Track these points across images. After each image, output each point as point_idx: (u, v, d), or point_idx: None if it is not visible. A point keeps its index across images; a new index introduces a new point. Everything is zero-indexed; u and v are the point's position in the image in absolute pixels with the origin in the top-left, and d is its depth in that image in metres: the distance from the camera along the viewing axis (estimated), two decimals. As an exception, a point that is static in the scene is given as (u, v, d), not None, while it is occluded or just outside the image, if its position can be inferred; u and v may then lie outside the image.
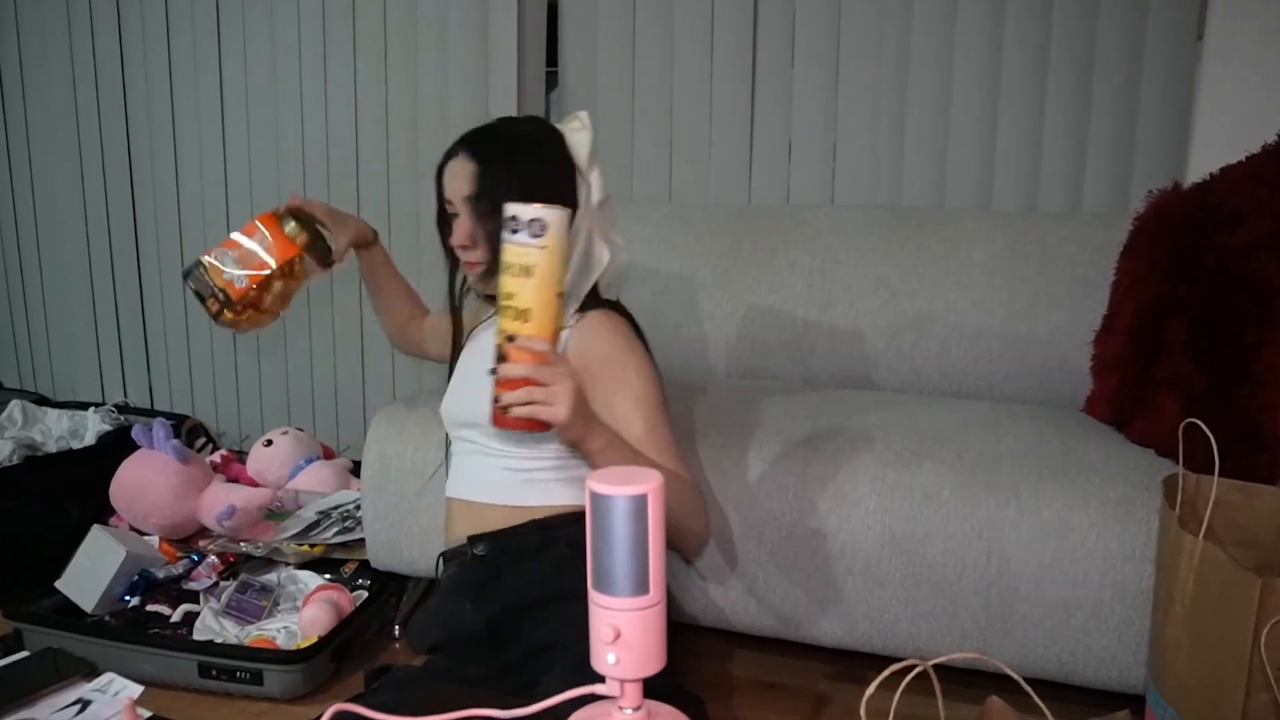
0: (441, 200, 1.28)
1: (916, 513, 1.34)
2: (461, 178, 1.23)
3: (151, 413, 2.60)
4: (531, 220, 0.97)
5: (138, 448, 1.93)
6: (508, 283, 1.00)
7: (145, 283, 2.77)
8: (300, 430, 2.24)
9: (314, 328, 2.58)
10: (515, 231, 0.98)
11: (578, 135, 1.26)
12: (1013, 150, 1.98)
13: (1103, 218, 1.79)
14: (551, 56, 2.35)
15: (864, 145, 2.10)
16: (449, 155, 1.26)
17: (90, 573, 1.67)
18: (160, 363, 2.80)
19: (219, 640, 1.57)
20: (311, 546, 1.75)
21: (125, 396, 2.83)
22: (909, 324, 1.80)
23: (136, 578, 1.70)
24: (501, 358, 1.01)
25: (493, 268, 1.20)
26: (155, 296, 2.76)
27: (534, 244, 0.98)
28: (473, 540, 1.26)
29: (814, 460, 1.41)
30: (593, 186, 1.26)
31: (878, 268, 1.84)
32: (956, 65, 1.99)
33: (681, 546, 1.34)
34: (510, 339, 1.00)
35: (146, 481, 1.86)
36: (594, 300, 1.29)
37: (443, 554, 1.32)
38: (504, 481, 1.25)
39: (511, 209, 0.99)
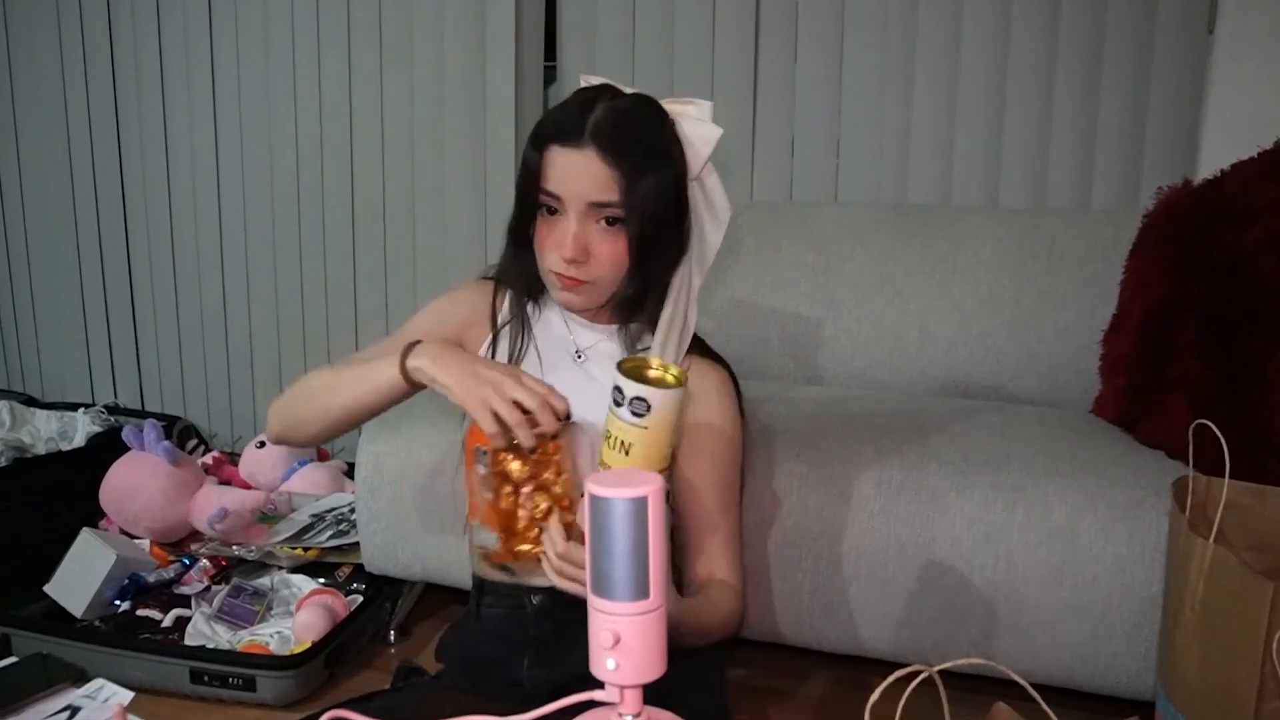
0: (534, 187, 1.04)
1: (922, 515, 1.34)
2: (588, 177, 1.00)
3: (142, 414, 2.60)
4: (634, 399, 0.89)
5: (128, 449, 1.93)
6: (606, 453, 0.92)
7: (136, 281, 2.77)
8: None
9: (307, 326, 2.58)
10: (619, 404, 0.90)
11: (698, 128, 1.10)
12: (1020, 146, 1.98)
13: (1112, 215, 1.78)
14: (550, 50, 2.35)
15: (869, 141, 2.10)
16: (561, 139, 1.02)
17: (80, 577, 1.67)
18: (151, 363, 2.79)
19: (211, 645, 1.57)
20: (305, 550, 1.75)
21: (115, 397, 2.83)
22: (914, 323, 1.80)
23: (126, 581, 1.70)
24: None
25: (599, 292, 1.06)
26: (146, 295, 2.76)
27: (634, 423, 0.89)
28: (532, 590, 1.09)
29: (817, 462, 1.41)
30: (716, 204, 1.13)
31: (882, 266, 1.84)
32: (963, 59, 1.99)
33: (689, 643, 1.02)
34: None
35: (137, 484, 1.86)
36: (698, 343, 1.15)
37: (482, 583, 1.14)
38: None
39: (619, 380, 0.90)
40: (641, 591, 0.71)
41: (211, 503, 1.85)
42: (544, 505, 0.93)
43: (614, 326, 1.13)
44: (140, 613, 1.65)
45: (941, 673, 0.67)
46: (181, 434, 2.49)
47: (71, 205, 2.77)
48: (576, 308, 1.10)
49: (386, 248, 2.48)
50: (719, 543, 1.10)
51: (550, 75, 2.38)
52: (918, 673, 0.66)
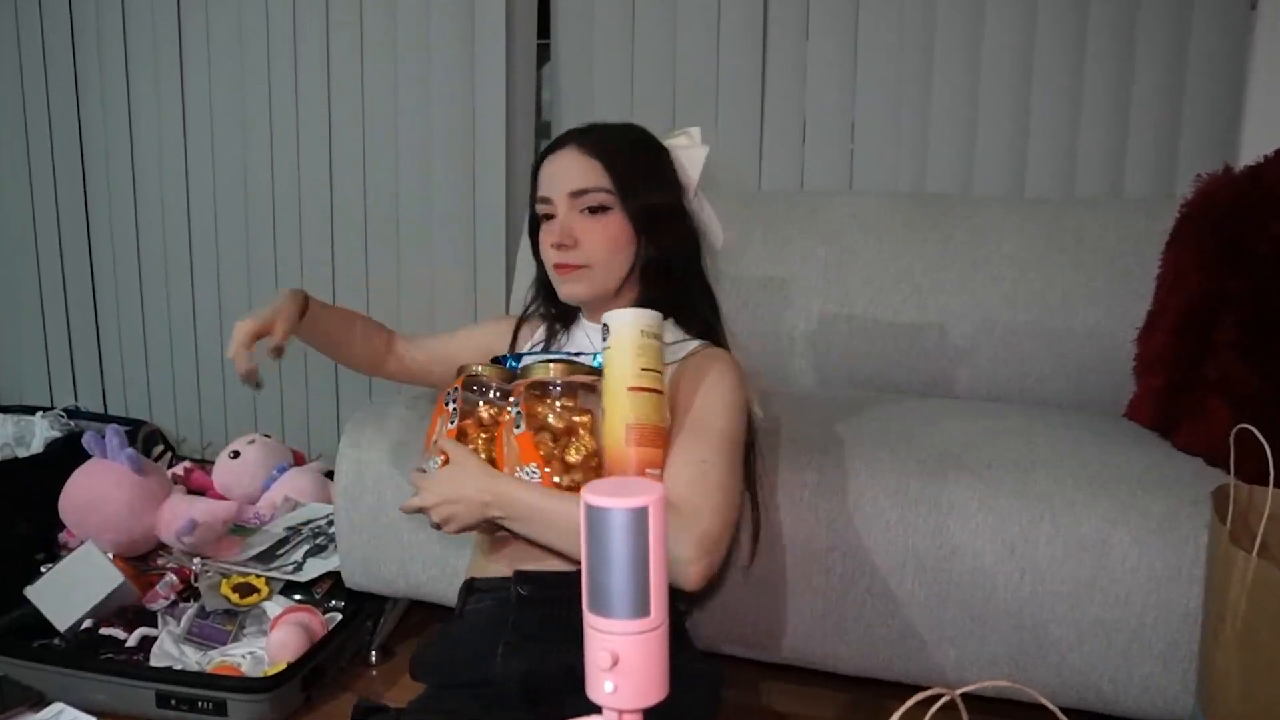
0: (533, 204, 1.26)
1: (942, 527, 1.34)
2: (567, 170, 1.21)
3: (105, 418, 2.60)
4: (604, 325, 1.11)
5: (89, 457, 1.93)
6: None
7: (98, 277, 2.77)
8: (268, 437, 2.24)
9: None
10: (605, 339, 1.11)
11: (687, 153, 1.26)
12: (1047, 130, 1.98)
13: (1146, 204, 1.78)
14: (543, 28, 2.35)
15: (885, 125, 2.10)
16: (548, 153, 1.24)
17: (72, 590, 1.68)
18: (114, 364, 2.80)
19: (179, 667, 1.57)
20: (240, 594, 1.70)
21: (76, 400, 2.83)
22: (933, 321, 1.80)
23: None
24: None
25: (596, 278, 1.22)
26: (109, 292, 2.76)
27: (604, 346, 1.11)
28: (520, 578, 1.18)
29: (829, 470, 1.41)
30: (709, 231, 1.31)
31: (900, 259, 1.84)
32: (986, 36, 1.99)
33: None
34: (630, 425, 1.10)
35: (100, 495, 1.85)
36: (711, 336, 1.30)
37: (472, 582, 1.24)
38: None
39: (603, 318, 1.11)
40: (641, 609, 0.71)
41: (179, 514, 1.84)
42: (586, 449, 1.12)
43: None
44: (103, 631, 1.65)
45: (964, 697, 0.67)
46: (147, 439, 2.49)
47: (29, 196, 2.77)
48: (581, 297, 1.24)
49: (368, 240, 2.48)
50: (677, 461, 1.11)
51: (544, 54, 2.37)
52: (938, 696, 0.66)
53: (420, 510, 1.16)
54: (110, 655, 1.60)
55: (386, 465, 1.57)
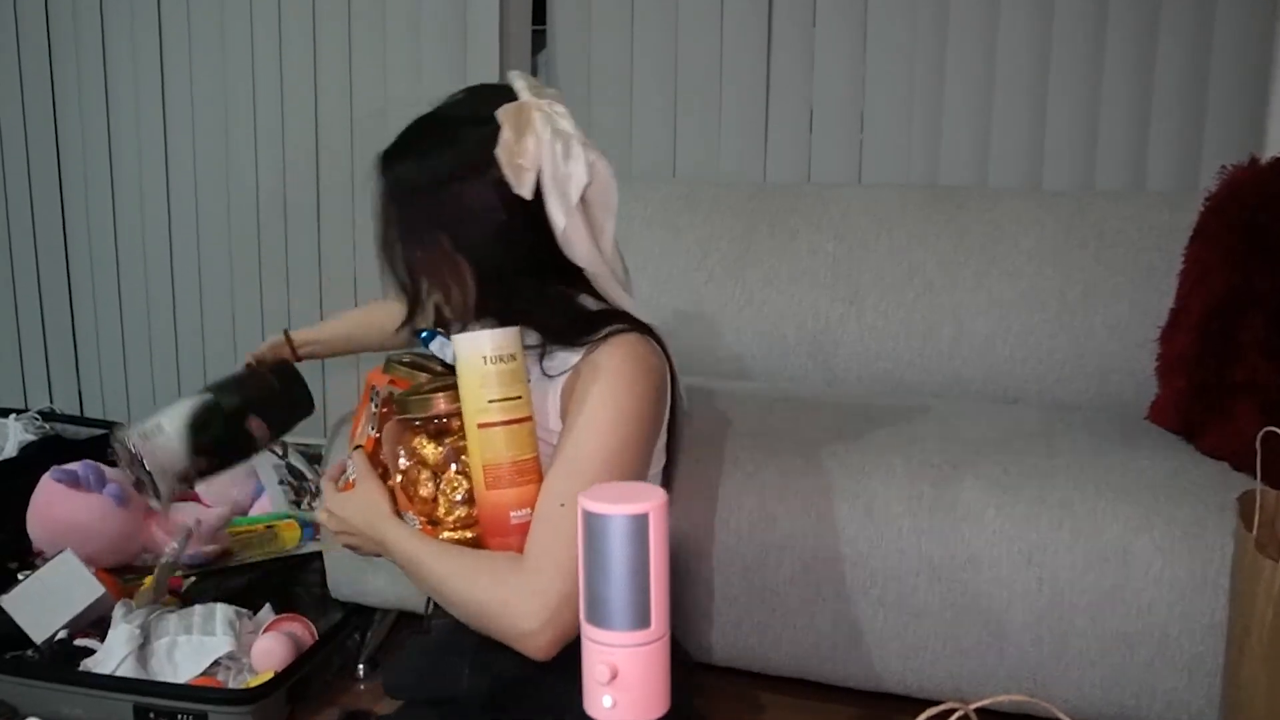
0: None
1: (957, 535, 1.34)
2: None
3: (81, 420, 2.60)
4: (447, 350, 1.08)
5: (64, 463, 1.92)
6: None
7: (74, 274, 2.77)
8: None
9: (266, 324, 2.58)
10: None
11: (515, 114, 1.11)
12: (1066, 120, 1.98)
13: (1169, 198, 1.78)
14: (538, 13, 2.35)
15: (896, 114, 2.10)
16: None
17: (49, 600, 1.67)
18: (91, 364, 2.79)
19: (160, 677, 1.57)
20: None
21: (51, 402, 2.82)
22: (948, 319, 1.80)
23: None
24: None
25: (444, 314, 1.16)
26: (85, 290, 2.76)
27: (453, 379, 1.03)
28: None
29: (839, 475, 1.41)
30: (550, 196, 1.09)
31: (912, 254, 1.84)
32: (1002, 23, 1.99)
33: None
34: None
35: (84, 528, 1.84)
36: (621, 319, 1.13)
37: None
38: None
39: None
40: (641, 620, 0.71)
41: (171, 528, 1.85)
42: (465, 488, 1.04)
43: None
44: (78, 641, 1.64)
45: (980, 711, 0.67)
46: (125, 443, 2.48)
47: (1, 189, 2.77)
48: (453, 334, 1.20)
49: (355, 235, 2.48)
50: (539, 516, 1.00)
51: (539, 41, 2.37)
52: (952, 711, 0.66)
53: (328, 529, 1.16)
54: (88, 666, 1.60)
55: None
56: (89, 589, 1.68)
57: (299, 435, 1.63)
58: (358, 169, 2.44)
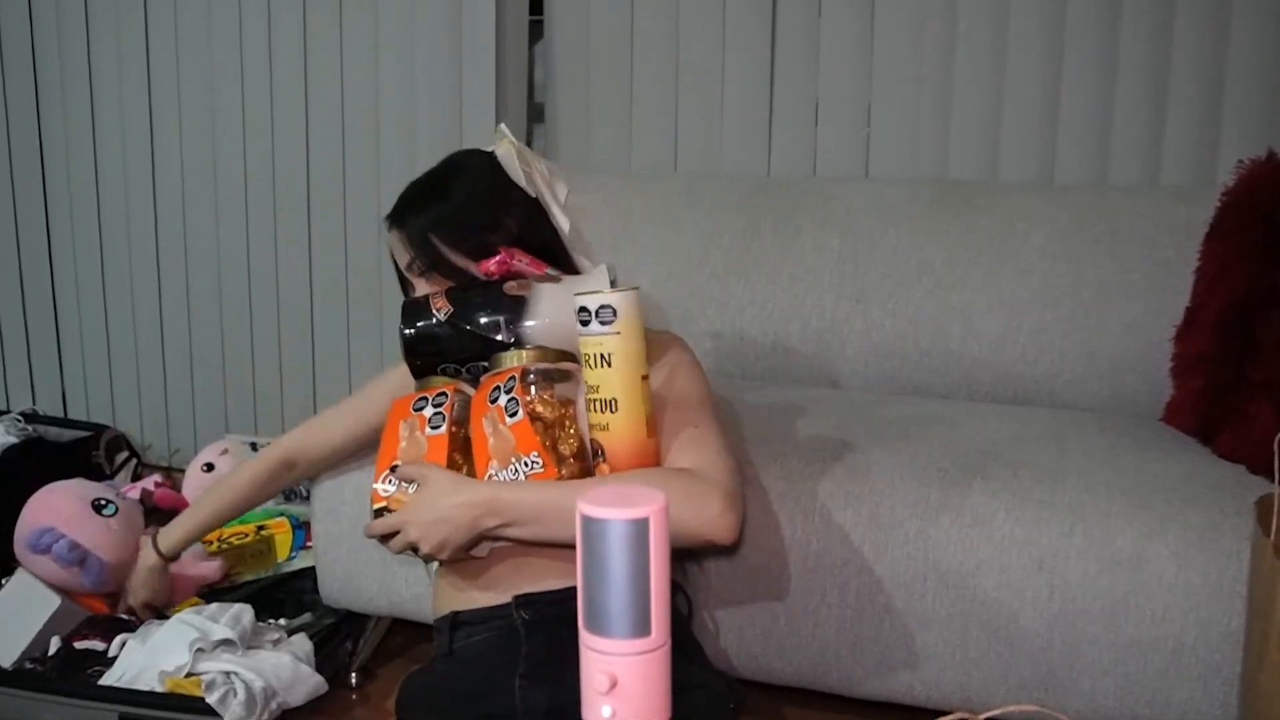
0: (400, 275, 1.39)
1: (965, 540, 1.34)
2: (396, 250, 1.35)
3: (65, 422, 2.60)
4: (600, 308, 1.12)
5: (46, 467, 1.91)
6: (590, 375, 1.15)
7: (57, 273, 2.77)
8: (242, 441, 2.24)
9: (255, 322, 2.58)
10: (586, 323, 1.13)
11: (501, 151, 1.41)
12: (1079, 113, 1.98)
13: (1185, 193, 1.78)
14: (536, 3, 2.35)
15: (904, 107, 2.10)
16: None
17: (11, 622, 1.66)
18: (75, 365, 2.79)
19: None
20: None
21: (34, 404, 2.82)
22: (957, 318, 1.80)
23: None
24: (596, 449, 1.16)
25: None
26: (69, 288, 2.76)
27: (607, 331, 1.12)
28: (521, 602, 1.17)
29: (844, 479, 1.41)
30: (550, 205, 1.44)
31: (920, 251, 1.84)
32: (1013, 13, 1.99)
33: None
34: (604, 428, 1.15)
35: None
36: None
37: (457, 616, 1.22)
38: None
39: (579, 300, 1.13)
40: (641, 627, 0.71)
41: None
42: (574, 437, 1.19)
43: None
44: (79, 645, 1.63)
45: (988, 721, 0.67)
46: (110, 445, 2.48)
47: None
48: None
49: (347, 232, 2.48)
50: (682, 441, 1.20)
51: (536, 31, 2.38)
52: (960, 721, 0.66)
53: (408, 545, 1.16)
54: (99, 668, 1.58)
55: (365, 476, 1.57)
56: (45, 603, 1.66)
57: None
58: (349, 159, 2.44)
